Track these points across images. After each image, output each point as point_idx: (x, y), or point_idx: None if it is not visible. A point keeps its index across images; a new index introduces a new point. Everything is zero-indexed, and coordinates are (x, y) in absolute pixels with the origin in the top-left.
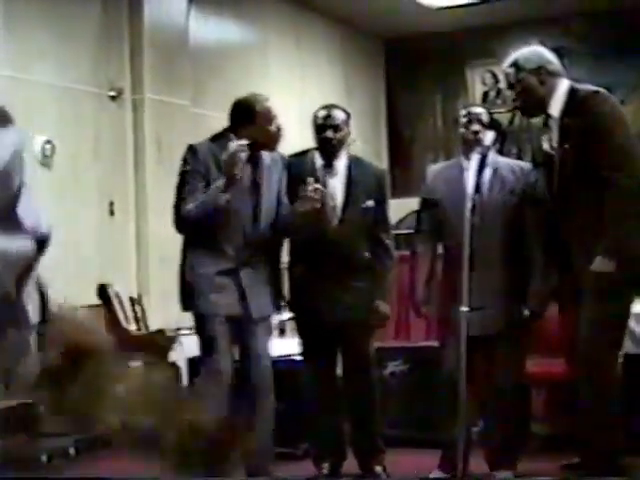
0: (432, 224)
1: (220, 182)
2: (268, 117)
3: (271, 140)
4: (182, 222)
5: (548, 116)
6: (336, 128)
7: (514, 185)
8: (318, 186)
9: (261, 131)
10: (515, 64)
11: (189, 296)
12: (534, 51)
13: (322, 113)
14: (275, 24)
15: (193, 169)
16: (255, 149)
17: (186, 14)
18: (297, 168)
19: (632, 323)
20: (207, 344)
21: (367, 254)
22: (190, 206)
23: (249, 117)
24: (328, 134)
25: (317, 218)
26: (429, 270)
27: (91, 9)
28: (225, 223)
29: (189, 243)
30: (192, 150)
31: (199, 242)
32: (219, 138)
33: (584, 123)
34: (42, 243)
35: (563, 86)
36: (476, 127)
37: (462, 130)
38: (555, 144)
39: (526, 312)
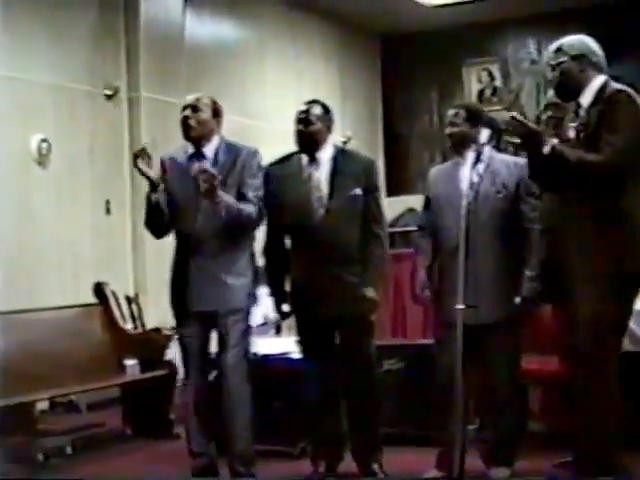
0: (432, 221)
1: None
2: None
3: (182, 129)
4: None
5: (578, 105)
6: (307, 122)
7: (507, 179)
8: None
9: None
10: (560, 48)
11: (171, 293)
12: (580, 39)
13: (300, 108)
14: (271, 23)
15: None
16: (195, 146)
17: (182, 13)
18: (282, 169)
19: (630, 322)
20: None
21: (357, 244)
22: None
23: None
24: (299, 127)
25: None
26: (430, 259)
27: (88, 8)
28: (179, 221)
29: None
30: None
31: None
32: None
33: (600, 116)
34: None
35: (599, 80)
36: (450, 130)
37: (447, 130)
38: (579, 132)
39: (517, 299)
